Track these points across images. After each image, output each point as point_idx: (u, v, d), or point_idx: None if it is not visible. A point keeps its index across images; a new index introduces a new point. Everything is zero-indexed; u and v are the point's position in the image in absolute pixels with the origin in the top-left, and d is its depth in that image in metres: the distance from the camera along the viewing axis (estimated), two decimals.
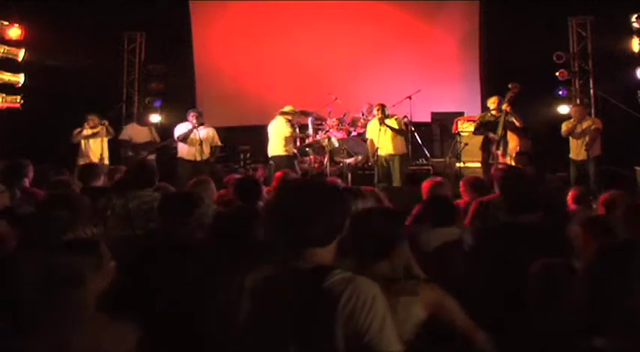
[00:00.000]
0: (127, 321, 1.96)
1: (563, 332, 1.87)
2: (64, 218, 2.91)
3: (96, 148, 8.67)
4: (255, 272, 1.78)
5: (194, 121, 8.32)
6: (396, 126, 8.22)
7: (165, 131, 9.30)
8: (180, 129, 8.44)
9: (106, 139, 8.70)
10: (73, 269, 1.93)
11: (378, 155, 8.19)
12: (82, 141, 8.69)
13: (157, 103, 10.71)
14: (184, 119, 8.47)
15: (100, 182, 5.16)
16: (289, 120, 8.66)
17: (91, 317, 1.91)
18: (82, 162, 8.48)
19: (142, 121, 9.37)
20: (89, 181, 5.05)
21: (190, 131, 8.30)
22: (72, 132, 8.69)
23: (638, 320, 1.75)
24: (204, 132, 8.43)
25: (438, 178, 4.76)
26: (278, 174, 5.48)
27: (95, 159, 8.51)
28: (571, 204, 4.44)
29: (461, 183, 4.98)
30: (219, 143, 8.74)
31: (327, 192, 1.80)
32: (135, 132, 8.98)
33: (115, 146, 8.94)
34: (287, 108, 8.74)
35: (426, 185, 4.49)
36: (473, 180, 4.91)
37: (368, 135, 8.60)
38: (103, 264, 2.06)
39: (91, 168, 5.46)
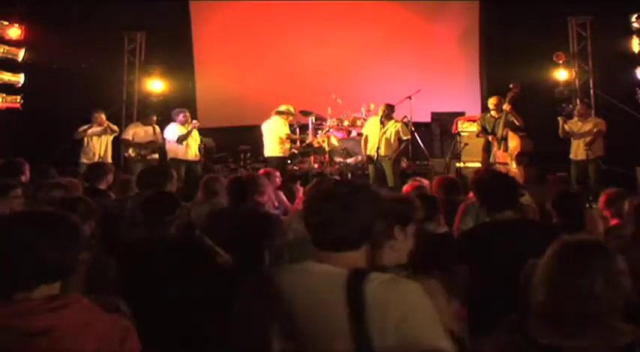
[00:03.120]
0: None
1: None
2: None
3: (99, 147, 8.61)
4: (283, 274, 1.76)
5: (189, 121, 8.32)
6: (402, 135, 8.12)
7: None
8: (173, 131, 8.32)
9: (110, 138, 8.68)
10: None
11: (377, 154, 8.10)
12: (86, 139, 8.56)
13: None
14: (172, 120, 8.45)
15: (107, 182, 5.08)
16: (285, 120, 8.62)
17: None
18: (86, 160, 8.42)
19: (146, 121, 9.07)
20: (96, 182, 4.96)
21: (191, 130, 8.28)
22: (76, 129, 8.52)
23: (596, 323, 1.74)
24: (195, 132, 8.42)
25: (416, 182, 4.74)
26: (261, 172, 5.51)
27: (99, 158, 8.46)
28: (603, 210, 4.32)
29: (434, 182, 4.97)
30: (199, 142, 8.69)
31: (358, 194, 1.77)
32: (137, 132, 8.83)
33: (115, 145, 8.90)
34: (282, 108, 8.67)
35: (407, 189, 4.48)
36: (443, 181, 4.87)
37: (364, 131, 8.49)
38: None
39: (99, 169, 5.31)
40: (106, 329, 1.68)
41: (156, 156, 8.81)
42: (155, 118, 9.16)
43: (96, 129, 8.56)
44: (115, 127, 8.72)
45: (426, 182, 4.92)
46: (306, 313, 1.67)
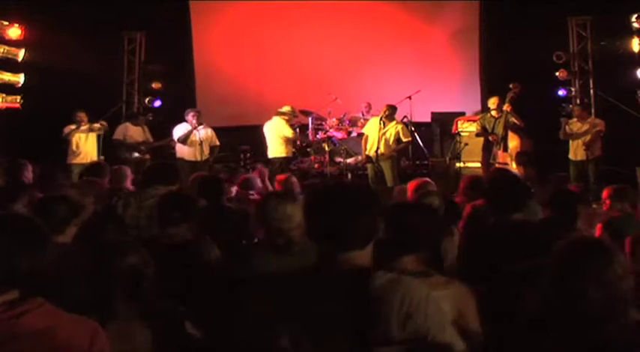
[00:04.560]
0: None
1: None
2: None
3: (89, 147, 8.59)
4: (289, 275, 1.79)
5: (194, 121, 8.28)
6: (403, 137, 8.11)
7: (165, 131, 9.26)
8: (179, 130, 8.33)
9: (95, 137, 8.64)
10: None
11: (376, 154, 8.09)
12: (74, 140, 8.53)
13: (156, 103, 10.73)
14: (184, 119, 8.41)
15: (128, 183, 5.01)
16: (287, 121, 8.60)
17: None
18: (75, 160, 8.43)
19: (135, 121, 9.07)
20: (119, 183, 4.87)
21: (190, 132, 8.25)
22: (63, 129, 8.51)
23: (584, 323, 1.74)
24: (204, 133, 8.36)
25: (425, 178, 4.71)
26: (280, 177, 5.45)
27: (89, 158, 8.42)
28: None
29: (461, 181, 4.97)
30: (218, 142, 8.64)
31: (360, 195, 1.79)
32: (128, 132, 8.81)
33: (106, 146, 8.81)
34: (285, 109, 8.66)
35: (411, 185, 4.45)
36: (471, 180, 4.87)
37: (365, 131, 8.49)
38: None
39: (100, 168, 5.17)
40: (72, 332, 1.65)
41: (147, 156, 8.79)
42: (144, 118, 9.15)
43: (83, 128, 8.55)
44: (97, 125, 8.64)
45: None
46: (310, 312, 1.68)
